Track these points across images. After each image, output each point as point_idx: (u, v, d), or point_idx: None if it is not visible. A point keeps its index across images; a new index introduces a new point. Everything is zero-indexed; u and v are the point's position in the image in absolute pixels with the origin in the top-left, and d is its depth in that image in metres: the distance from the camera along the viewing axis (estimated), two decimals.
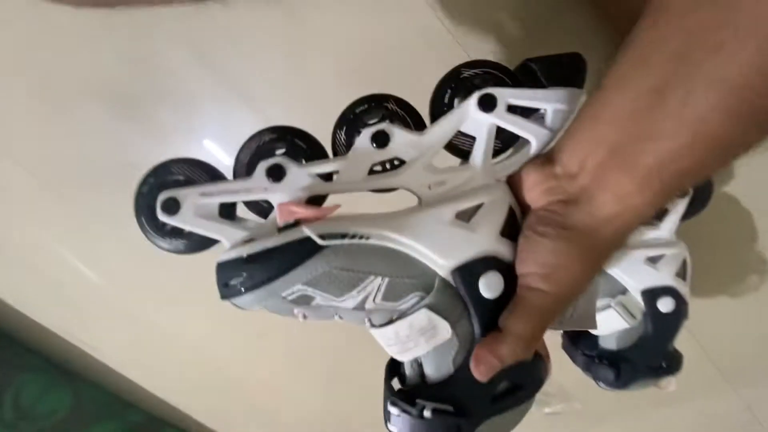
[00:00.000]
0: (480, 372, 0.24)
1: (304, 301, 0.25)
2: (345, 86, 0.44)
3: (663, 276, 0.40)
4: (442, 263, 0.25)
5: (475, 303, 0.25)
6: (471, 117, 0.26)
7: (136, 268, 0.58)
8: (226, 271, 0.25)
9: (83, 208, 0.53)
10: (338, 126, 0.27)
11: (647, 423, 0.66)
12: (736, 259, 0.49)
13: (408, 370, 0.27)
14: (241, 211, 0.27)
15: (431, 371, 0.26)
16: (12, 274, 0.61)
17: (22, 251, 0.58)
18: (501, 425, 0.27)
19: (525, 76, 0.27)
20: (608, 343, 0.43)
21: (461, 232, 0.25)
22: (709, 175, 0.22)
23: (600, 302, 0.42)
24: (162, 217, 0.25)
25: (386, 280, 0.25)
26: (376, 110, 0.27)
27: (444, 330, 0.25)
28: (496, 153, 0.27)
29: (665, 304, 0.40)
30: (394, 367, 0.29)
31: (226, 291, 0.25)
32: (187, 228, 0.25)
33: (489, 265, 0.25)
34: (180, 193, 0.25)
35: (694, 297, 0.41)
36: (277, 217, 0.25)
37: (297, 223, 0.25)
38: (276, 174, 0.25)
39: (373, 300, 0.25)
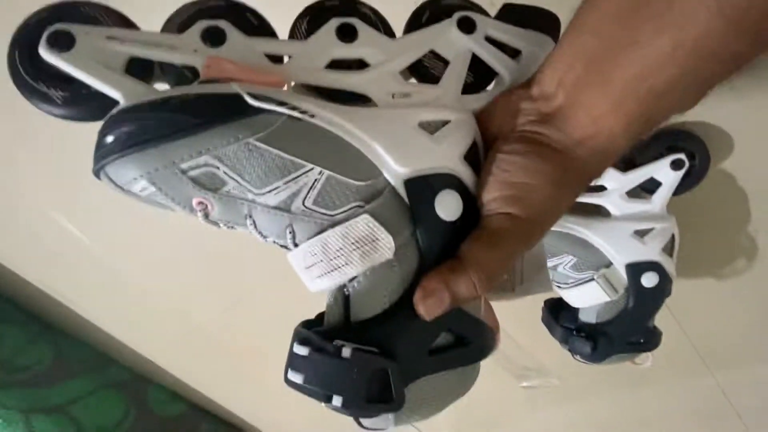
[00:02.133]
0: (426, 307, 0.20)
1: (209, 183, 0.19)
2: None
3: (649, 251, 0.39)
4: (396, 169, 0.21)
5: (427, 222, 0.21)
6: (448, 36, 0.24)
7: (123, 226, 0.57)
8: (112, 122, 0.18)
9: (70, 164, 0.51)
10: (302, 15, 0.24)
11: (623, 401, 0.67)
12: (725, 240, 0.48)
13: (329, 303, 0.22)
14: None
15: (359, 305, 0.21)
16: None
17: (4, 204, 0.56)
18: (437, 390, 0.22)
19: (505, 18, 0.26)
20: (588, 317, 0.42)
21: (424, 141, 0.22)
22: (688, 104, 0.20)
23: (583, 274, 0.41)
24: (45, 52, 0.19)
25: (325, 174, 0.20)
26: (347, 7, 0.24)
27: (385, 246, 0.20)
28: (467, 89, 0.25)
29: (649, 280, 0.39)
30: (310, 325, 0.23)
31: (104, 151, 0.18)
32: (76, 72, 0.19)
33: (449, 184, 0.21)
34: (77, 29, 0.19)
35: (677, 276, 0.41)
36: (203, 69, 0.20)
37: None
38: (214, 37, 0.20)
39: (303, 201, 0.20)
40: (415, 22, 0.25)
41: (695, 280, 0.50)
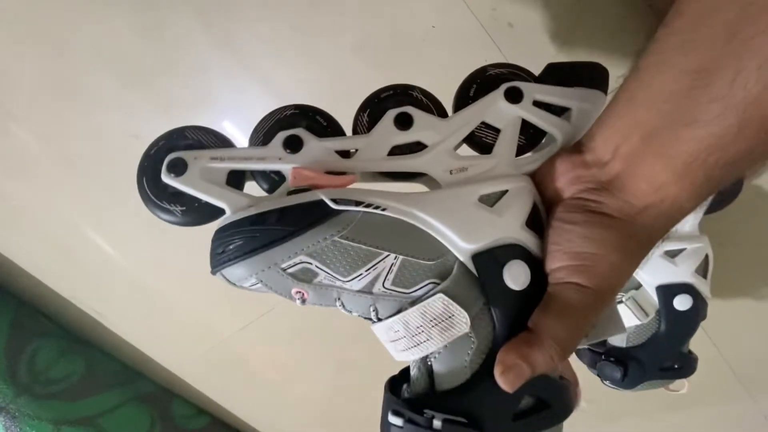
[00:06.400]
0: (506, 380, 0.21)
1: (305, 276, 0.23)
2: (364, 69, 0.43)
3: (681, 272, 0.37)
4: (463, 246, 0.23)
5: (498, 294, 0.22)
6: (497, 107, 0.26)
7: (151, 243, 0.59)
8: (223, 235, 0.23)
9: (97, 181, 0.54)
10: (362, 109, 0.27)
11: (657, 425, 0.64)
12: (760, 258, 0.45)
13: (414, 374, 0.24)
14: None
15: (443, 376, 0.23)
16: (29, 243, 0.63)
17: (40, 222, 0.59)
18: None
19: (550, 78, 0.27)
20: (617, 340, 0.41)
21: (485, 215, 0.23)
22: (758, 166, 0.20)
23: None
24: (165, 177, 0.24)
25: (400, 259, 0.23)
26: (401, 97, 0.26)
27: (461, 321, 0.22)
28: (520, 150, 0.26)
29: (682, 302, 0.37)
30: (396, 383, 0.25)
31: (219, 258, 0.23)
32: (190, 191, 0.24)
33: (514, 254, 0.23)
34: (189, 155, 0.24)
35: (712, 296, 0.39)
36: (290, 179, 0.24)
37: (309, 189, 0.24)
38: (293, 145, 0.24)
39: (383, 283, 0.23)
40: (463, 96, 0.27)
41: (733, 301, 0.47)
